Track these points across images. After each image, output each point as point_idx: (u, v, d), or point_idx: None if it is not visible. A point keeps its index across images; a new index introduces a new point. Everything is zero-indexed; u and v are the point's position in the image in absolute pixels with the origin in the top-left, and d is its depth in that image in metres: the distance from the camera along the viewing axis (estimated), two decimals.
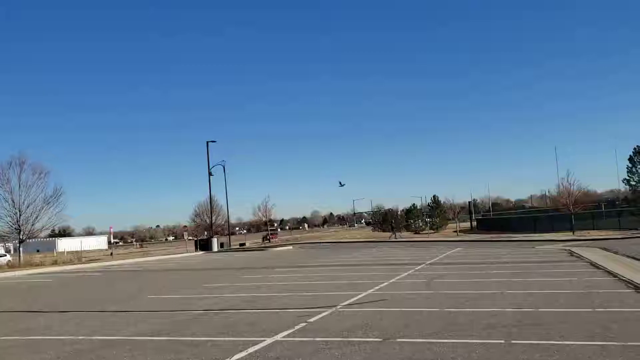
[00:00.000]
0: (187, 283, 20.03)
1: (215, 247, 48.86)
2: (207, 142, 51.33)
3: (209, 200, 57.01)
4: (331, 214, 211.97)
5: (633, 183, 47.46)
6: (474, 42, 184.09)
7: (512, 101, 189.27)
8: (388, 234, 59.85)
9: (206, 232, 62.40)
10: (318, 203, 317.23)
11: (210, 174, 51.02)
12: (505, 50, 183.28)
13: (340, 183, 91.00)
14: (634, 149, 46.91)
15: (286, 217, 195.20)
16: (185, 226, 62.58)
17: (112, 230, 72.66)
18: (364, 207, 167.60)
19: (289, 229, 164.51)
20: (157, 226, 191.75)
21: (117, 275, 26.37)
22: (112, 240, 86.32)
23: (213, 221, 57.38)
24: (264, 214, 71.85)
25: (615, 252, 23.36)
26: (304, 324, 9.66)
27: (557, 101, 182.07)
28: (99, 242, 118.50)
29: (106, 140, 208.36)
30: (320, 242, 55.46)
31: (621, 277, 14.36)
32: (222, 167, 51.90)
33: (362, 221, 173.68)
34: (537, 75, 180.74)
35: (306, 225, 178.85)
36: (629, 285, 12.90)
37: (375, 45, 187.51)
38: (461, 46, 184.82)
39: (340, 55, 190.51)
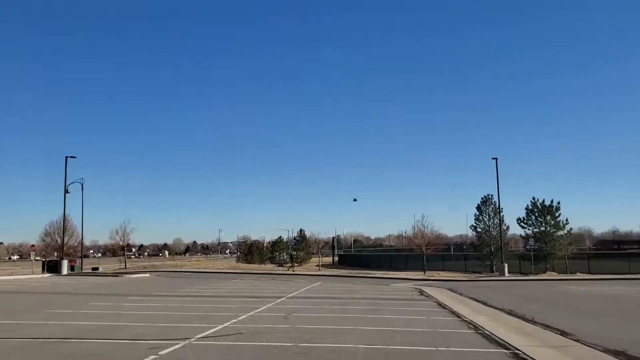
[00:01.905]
0: (28, 308, 18.33)
1: (64, 270, 45.40)
2: (66, 157, 48.03)
3: (62, 219, 53.05)
4: (195, 242, 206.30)
5: (479, 230, 51.53)
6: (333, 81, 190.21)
7: (375, 144, 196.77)
8: (252, 265, 59.55)
9: (56, 253, 57.85)
10: (181, 230, 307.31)
11: (66, 191, 47.65)
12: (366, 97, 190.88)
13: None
14: (482, 198, 51.19)
15: (146, 243, 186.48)
16: (32, 245, 57.49)
17: None
18: (229, 237, 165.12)
19: (148, 255, 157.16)
20: (0, 243, 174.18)
21: None
22: None
23: (65, 242, 53.29)
24: (122, 238, 68.63)
25: (461, 294, 25.16)
26: (155, 356, 9.23)
27: (418, 147, 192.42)
28: None
29: None
30: (180, 271, 53.65)
31: (464, 318, 15.45)
32: (80, 185, 48.81)
33: (227, 251, 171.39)
34: (392, 120, 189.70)
35: (167, 253, 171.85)
36: (470, 325, 13.89)
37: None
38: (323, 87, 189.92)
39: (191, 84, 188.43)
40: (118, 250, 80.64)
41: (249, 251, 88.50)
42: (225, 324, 13.42)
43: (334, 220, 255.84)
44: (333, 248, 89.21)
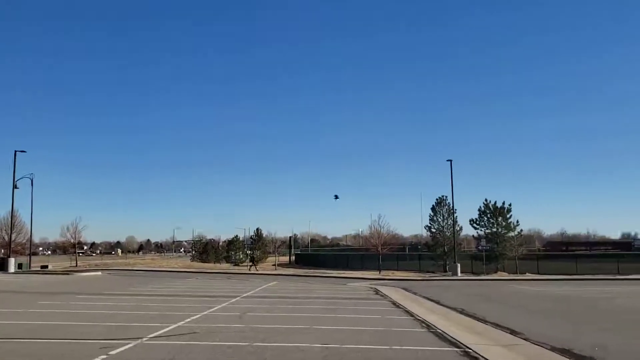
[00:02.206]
0: None
1: (12, 268, 43.93)
2: (15, 152, 46.46)
3: (9, 215, 51.28)
4: (148, 240, 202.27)
5: (433, 230, 52.28)
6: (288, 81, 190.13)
7: (332, 144, 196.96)
8: (208, 264, 58.85)
9: (3, 250, 55.90)
10: (134, 228, 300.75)
11: (15, 186, 46.09)
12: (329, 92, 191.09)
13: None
14: (437, 199, 51.99)
15: (98, 241, 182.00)
16: None
17: None
18: (184, 236, 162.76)
19: (101, 253, 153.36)
20: None
21: None
22: None
23: (13, 239, 51.51)
24: (73, 235, 66.80)
25: (415, 293, 25.53)
26: (105, 356, 9.03)
27: (375, 147, 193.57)
28: None
29: None
30: (133, 270, 52.53)
31: (417, 317, 15.67)
32: (29, 180, 47.26)
33: (182, 250, 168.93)
34: (352, 123, 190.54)
35: (119, 251, 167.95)
36: (423, 324, 14.11)
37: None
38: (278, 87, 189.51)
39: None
40: (69, 248, 78.38)
41: (204, 250, 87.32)
42: (179, 323, 13.22)
43: (291, 220, 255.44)
44: (290, 247, 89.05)
